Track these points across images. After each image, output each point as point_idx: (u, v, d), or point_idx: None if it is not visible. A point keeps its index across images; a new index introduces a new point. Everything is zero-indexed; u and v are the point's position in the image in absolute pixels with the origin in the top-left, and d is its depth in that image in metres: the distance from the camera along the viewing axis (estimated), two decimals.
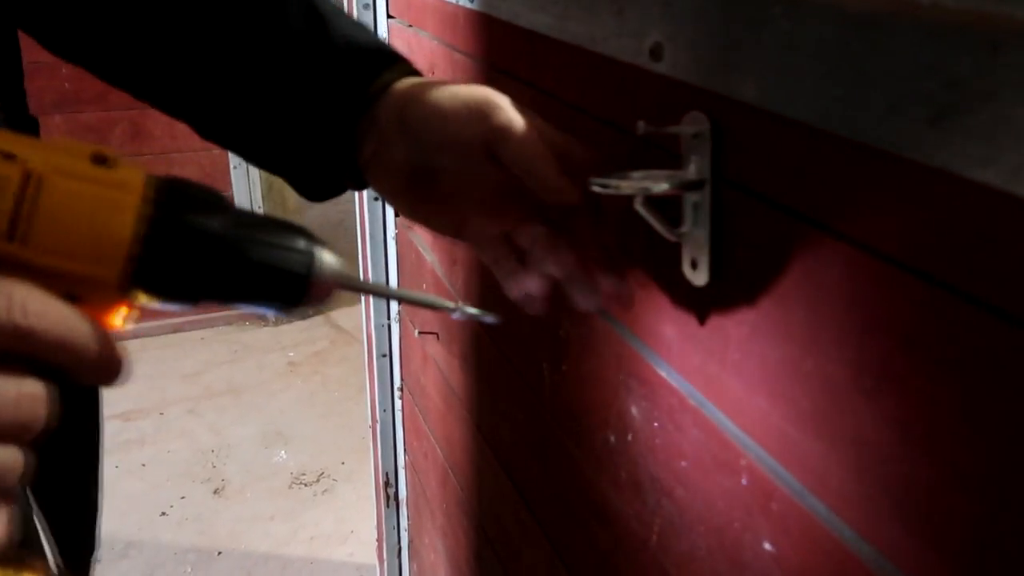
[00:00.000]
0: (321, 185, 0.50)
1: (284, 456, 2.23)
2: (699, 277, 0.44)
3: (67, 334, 0.28)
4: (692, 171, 0.42)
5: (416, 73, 0.48)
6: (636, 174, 0.43)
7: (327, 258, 0.33)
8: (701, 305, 0.46)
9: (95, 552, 0.44)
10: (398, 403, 1.31)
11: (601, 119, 0.54)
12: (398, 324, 1.23)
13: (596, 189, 0.40)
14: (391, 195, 0.47)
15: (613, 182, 0.39)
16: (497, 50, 0.69)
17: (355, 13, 1.09)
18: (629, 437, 0.56)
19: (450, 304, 0.40)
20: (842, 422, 0.37)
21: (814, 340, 0.38)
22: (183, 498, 2.06)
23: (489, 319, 0.43)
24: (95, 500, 0.56)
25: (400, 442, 1.34)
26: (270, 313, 0.35)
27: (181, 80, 0.48)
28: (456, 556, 1.06)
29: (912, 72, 0.30)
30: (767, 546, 0.43)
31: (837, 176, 0.35)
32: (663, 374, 0.51)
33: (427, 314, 1.04)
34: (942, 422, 0.32)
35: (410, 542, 1.37)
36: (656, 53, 0.45)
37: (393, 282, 1.18)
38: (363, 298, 1.30)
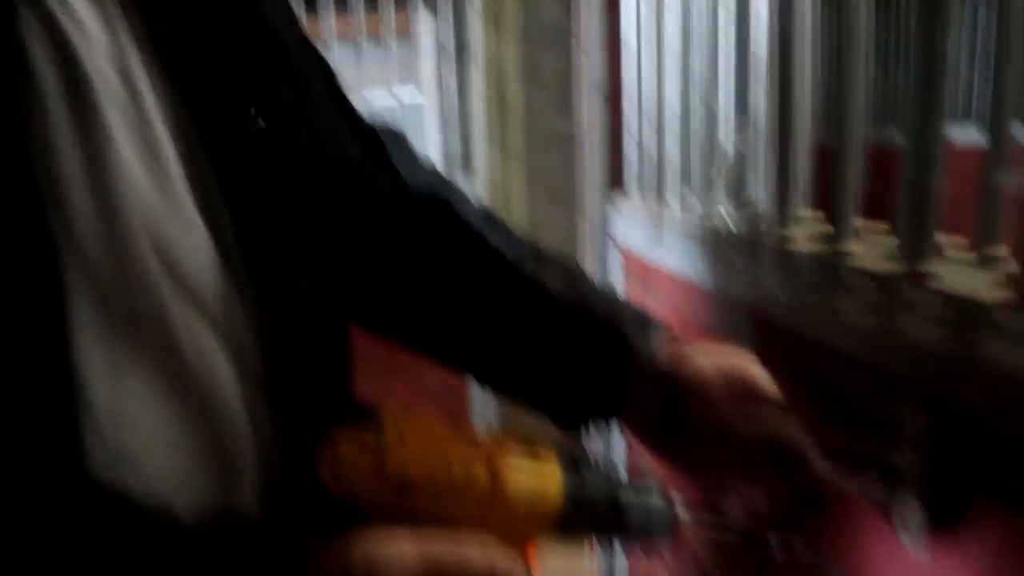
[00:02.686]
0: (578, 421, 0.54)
1: None
2: (918, 552, 0.46)
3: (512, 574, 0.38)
4: (908, 457, 0.46)
5: (671, 333, 0.52)
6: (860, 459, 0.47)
7: (678, 509, 0.42)
8: None
9: None
10: None
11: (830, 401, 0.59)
12: None
13: (824, 474, 0.45)
14: (639, 433, 0.51)
15: (837, 475, 0.44)
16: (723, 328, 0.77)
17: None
18: None
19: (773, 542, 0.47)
20: None
21: None
22: None
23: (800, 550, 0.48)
24: None
25: None
26: (638, 545, 0.43)
27: (475, 357, 0.57)
28: None
29: None
30: None
31: None
32: None
33: None
34: None
35: None
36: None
37: None
38: None
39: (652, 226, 0.99)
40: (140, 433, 0.37)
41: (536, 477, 0.39)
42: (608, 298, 0.54)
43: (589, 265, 1.25)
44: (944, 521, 0.45)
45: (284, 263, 0.43)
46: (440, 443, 0.39)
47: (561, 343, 0.53)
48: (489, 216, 0.56)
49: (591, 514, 0.40)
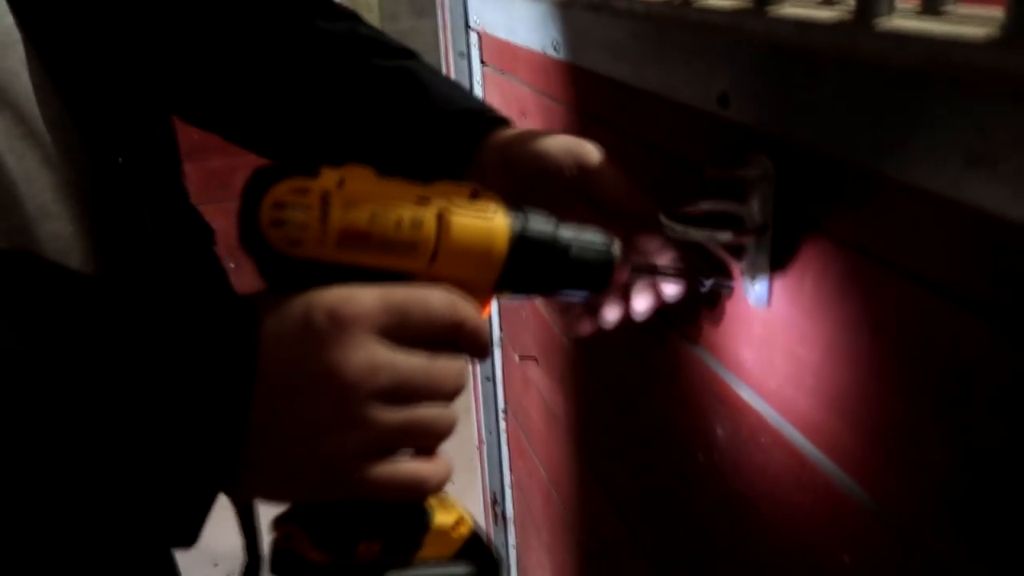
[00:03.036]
0: None
1: None
2: (760, 301, 0.48)
3: (477, 324, 0.38)
4: (755, 207, 0.46)
5: (509, 124, 0.54)
6: (705, 204, 0.47)
7: (620, 249, 0.43)
8: (774, 332, 0.49)
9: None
10: (502, 424, 1.37)
11: (676, 159, 0.58)
12: (499, 349, 1.29)
13: (668, 232, 0.44)
14: None
15: (681, 227, 0.43)
16: (583, 96, 0.74)
17: (451, 61, 1.17)
18: (716, 456, 0.59)
19: (715, 279, 0.49)
20: (909, 445, 0.39)
21: (878, 366, 0.40)
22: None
23: (729, 286, 0.50)
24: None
25: (506, 462, 1.40)
26: (583, 297, 0.44)
27: (296, 142, 0.56)
28: (562, 572, 1.10)
29: (949, 120, 0.33)
30: (845, 559, 0.45)
31: (887, 212, 0.38)
32: (745, 397, 0.54)
33: (527, 339, 1.10)
34: (1005, 447, 0.34)
35: (518, 559, 1.42)
36: (723, 101, 0.49)
37: None
38: None
39: (505, 2, 0.91)
40: None
41: (482, 217, 0.38)
42: (452, 87, 0.54)
43: (446, 47, 1.16)
44: (784, 268, 0.46)
45: (93, 56, 0.42)
46: (383, 190, 0.37)
47: (402, 130, 0.52)
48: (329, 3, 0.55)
49: (537, 253, 0.40)
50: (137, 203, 0.44)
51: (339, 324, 0.34)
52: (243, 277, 0.41)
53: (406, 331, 0.36)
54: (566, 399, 0.95)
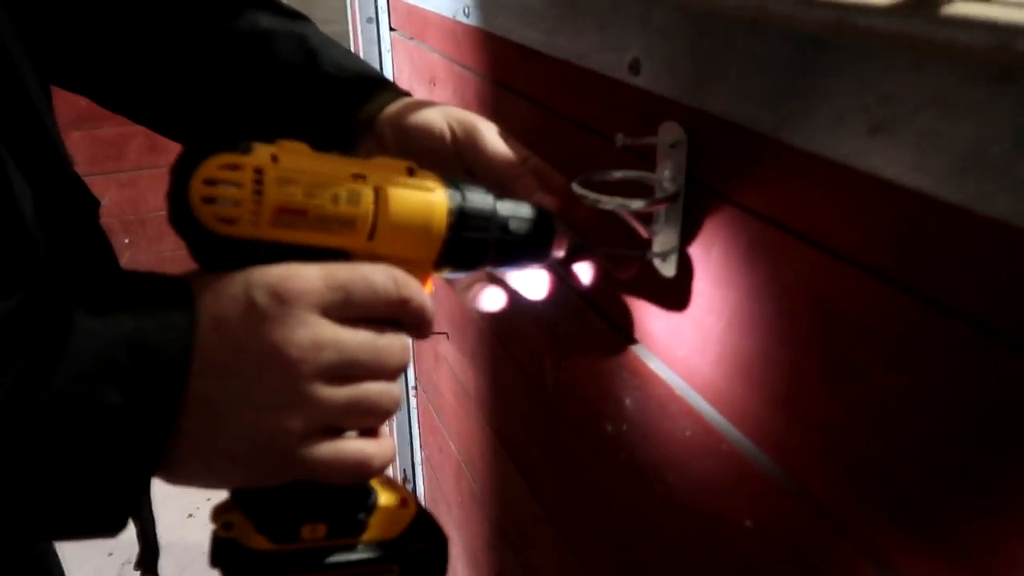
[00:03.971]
0: None
1: None
2: (668, 271, 0.48)
3: (422, 301, 0.38)
4: (667, 176, 0.46)
5: (406, 94, 0.52)
6: (617, 173, 0.47)
7: (557, 222, 0.43)
8: (681, 301, 0.49)
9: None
10: (413, 401, 1.35)
11: (588, 128, 0.57)
12: None
13: (580, 196, 0.43)
14: None
15: (593, 195, 0.43)
16: (494, 63, 0.72)
17: (359, 26, 1.13)
18: (624, 427, 0.59)
19: (642, 252, 0.49)
20: (808, 406, 0.40)
21: (783, 332, 0.41)
22: (208, 500, 2.11)
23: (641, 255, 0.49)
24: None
25: (416, 439, 1.38)
26: (524, 271, 0.44)
27: (181, 112, 0.52)
28: (472, 547, 1.10)
29: (853, 88, 0.33)
30: (748, 524, 0.46)
31: (794, 182, 0.38)
32: (652, 367, 0.54)
33: (437, 314, 1.08)
34: (894, 404, 0.35)
35: None
36: (635, 68, 0.48)
37: None
38: None
39: None
40: None
41: (420, 192, 0.37)
42: (346, 55, 0.52)
43: (353, 13, 1.12)
44: (694, 237, 0.46)
45: None
46: (318, 165, 0.35)
47: (281, 102, 0.50)
48: None
49: (476, 228, 0.40)
50: (5, 171, 0.40)
51: (282, 301, 0.33)
52: (139, 254, 0.38)
53: (350, 309, 0.35)
54: (477, 374, 0.94)
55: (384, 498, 0.40)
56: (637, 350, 0.56)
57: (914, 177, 0.31)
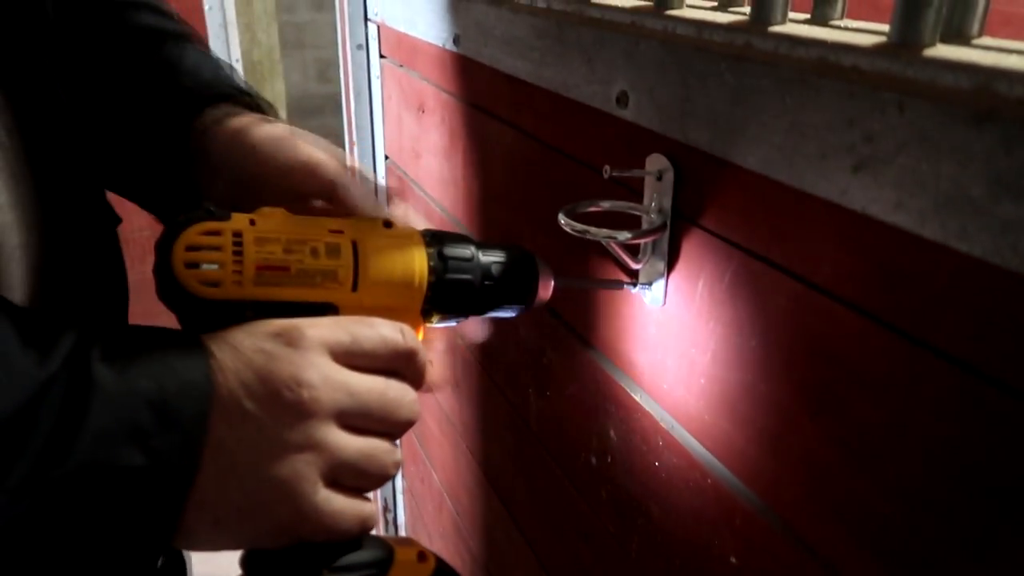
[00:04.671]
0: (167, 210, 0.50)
1: None
2: (654, 302, 0.48)
3: (424, 354, 0.37)
4: (653, 207, 0.46)
5: (255, 107, 0.48)
6: (604, 204, 0.47)
7: (541, 264, 0.43)
8: (667, 333, 0.49)
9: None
10: None
11: (575, 158, 0.57)
12: None
13: (567, 229, 0.43)
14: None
15: (580, 227, 0.43)
16: (481, 92, 0.73)
17: (349, 53, 1.14)
18: (608, 459, 0.58)
19: (626, 281, 0.48)
20: (792, 442, 0.40)
21: (766, 366, 0.41)
22: None
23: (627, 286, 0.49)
24: None
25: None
26: (513, 314, 0.43)
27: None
28: None
29: (837, 126, 0.33)
30: (733, 560, 0.45)
31: (778, 216, 0.39)
32: (637, 398, 0.54)
33: None
34: (878, 442, 0.35)
35: None
36: (622, 100, 0.49)
37: None
38: None
39: None
40: None
41: (397, 243, 0.38)
42: (214, 71, 0.49)
43: (344, 40, 1.13)
44: (679, 269, 0.46)
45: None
46: (294, 226, 0.37)
47: (127, 117, 0.48)
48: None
49: (459, 275, 0.40)
50: (66, 183, 0.40)
51: (290, 343, 0.33)
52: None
53: (358, 357, 0.35)
54: (462, 404, 0.93)
55: (401, 553, 0.39)
56: (622, 381, 0.55)
57: (897, 215, 0.31)
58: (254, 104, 0.48)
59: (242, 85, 0.50)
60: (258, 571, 0.36)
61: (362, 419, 0.35)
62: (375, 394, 0.35)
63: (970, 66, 0.29)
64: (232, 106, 0.47)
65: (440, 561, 0.40)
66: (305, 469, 0.33)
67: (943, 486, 0.32)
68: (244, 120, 0.45)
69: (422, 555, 0.40)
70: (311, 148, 0.43)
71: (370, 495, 0.37)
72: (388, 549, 0.39)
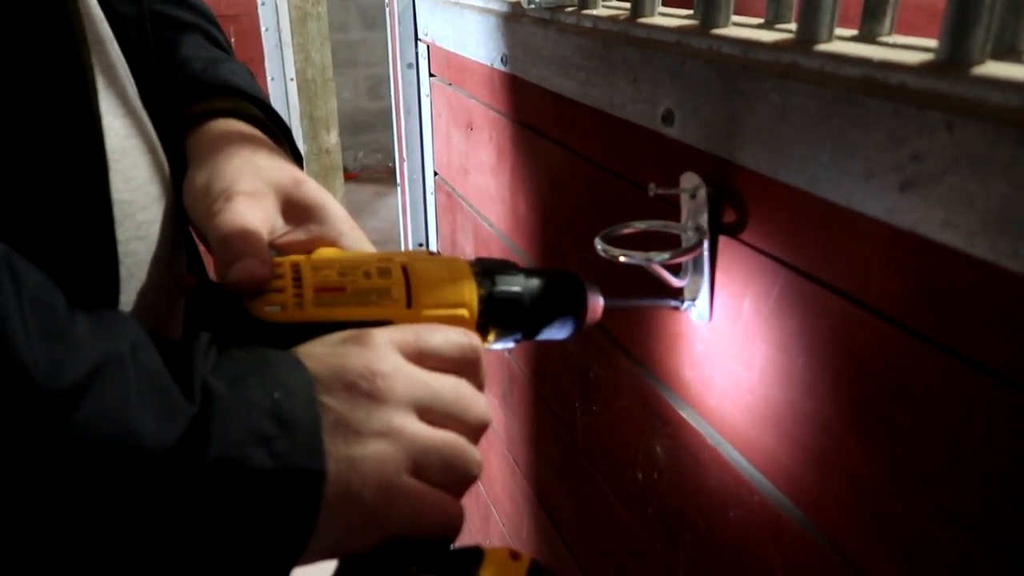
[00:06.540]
0: None
1: None
2: (700, 319, 0.48)
3: (486, 360, 0.38)
4: (690, 225, 0.46)
5: (245, 107, 0.49)
6: (639, 224, 0.47)
7: (589, 285, 0.44)
8: (713, 350, 0.49)
9: None
10: None
11: (621, 175, 0.58)
12: None
13: (604, 255, 0.44)
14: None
15: (616, 251, 0.44)
16: (529, 110, 0.74)
17: (399, 71, 1.16)
18: (655, 475, 0.58)
19: (673, 298, 0.49)
20: (839, 460, 0.39)
21: (814, 384, 0.41)
22: None
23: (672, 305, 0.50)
24: None
25: None
26: (564, 335, 0.44)
27: None
28: None
29: (884, 144, 0.33)
30: None
31: (825, 234, 0.39)
32: (684, 415, 0.54)
33: None
34: (928, 464, 0.34)
35: None
36: (667, 119, 0.49)
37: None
38: None
39: (455, 14, 0.90)
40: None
41: (445, 265, 0.40)
42: (194, 60, 0.50)
43: (394, 58, 1.15)
44: (724, 287, 0.46)
45: None
46: (347, 256, 0.40)
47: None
48: None
49: (507, 283, 0.41)
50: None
51: (362, 343, 0.34)
52: None
53: (427, 357, 0.36)
54: (508, 416, 0.94)
55: (492, 553, 0.40)
56: (668, 397, 0.55)
57: (945, 233, 0.31)
58: (239, 103, 0.48)
59: (234, 81, 0.50)
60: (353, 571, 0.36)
61: (438, 414, 0.35)
62: (449, 388, 0.35)
63: (1019, 84, 0.28)
64: (214, 102, 0.48)
65: (535, 560, 0.40)
66: (388, 451, 0.33)
67: (1002, 517, 0.31)
68: (215, 126, 0.46)
69: (514, 554, 0.40)
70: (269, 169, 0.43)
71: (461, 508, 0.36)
72: (478, 548, 0.39)
